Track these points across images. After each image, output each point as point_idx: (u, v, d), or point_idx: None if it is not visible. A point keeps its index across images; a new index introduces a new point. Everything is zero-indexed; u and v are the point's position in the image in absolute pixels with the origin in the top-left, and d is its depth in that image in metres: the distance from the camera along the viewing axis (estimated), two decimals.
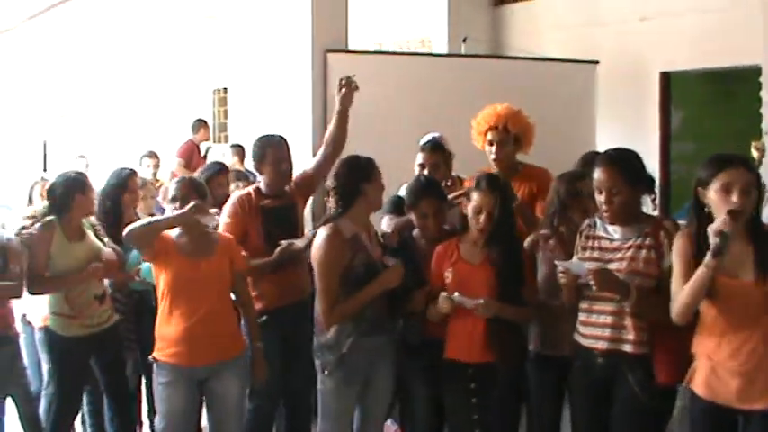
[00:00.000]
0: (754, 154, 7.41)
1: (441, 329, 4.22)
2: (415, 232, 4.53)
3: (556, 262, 3.90)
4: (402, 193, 5.14)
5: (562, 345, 4.10)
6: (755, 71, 7.98)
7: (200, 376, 4.36)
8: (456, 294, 4.06)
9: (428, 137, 5.57)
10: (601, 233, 3.91)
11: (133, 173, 5.74)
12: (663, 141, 8.97)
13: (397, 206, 5.05)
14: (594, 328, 3.85)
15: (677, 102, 9.19)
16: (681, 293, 3.46)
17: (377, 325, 4.21)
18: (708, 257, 3.32)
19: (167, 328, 4.36)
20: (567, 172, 4.45)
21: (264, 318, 4.67)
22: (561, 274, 3.84)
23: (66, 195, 4.95)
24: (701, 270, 3.35)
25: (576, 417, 4.05)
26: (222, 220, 4.77)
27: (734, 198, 3.34)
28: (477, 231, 4.17)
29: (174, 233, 4.41)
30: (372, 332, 4.20)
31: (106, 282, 5.28)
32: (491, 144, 5.13)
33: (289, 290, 4.83)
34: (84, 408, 5.59)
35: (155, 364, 4.41)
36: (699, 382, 3.53)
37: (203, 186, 4.61)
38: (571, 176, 4.39)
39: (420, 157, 5.08)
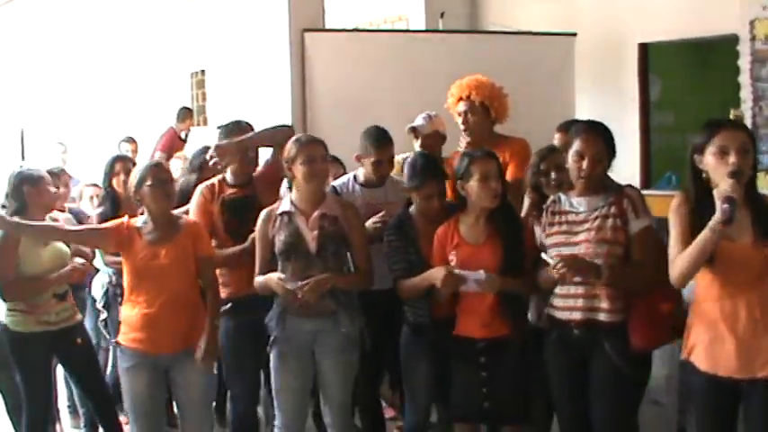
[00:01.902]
0: None
1: (447, 310, 4.21)
2: (412, 210, 4.48)
3: (543, 256, 3.87)
4: (337, 183, 5.10)
5: None
6: (733, 40, 7.99)
7: (164, 363, 4.34)
8: (457, 270, 4.03)
9: (419, 118, 5.58)
10: (566, 207, 3.93)
11: (116, 157, 5.80)
12: (642, 112, 8.97)
13: None
14: (567, 299, 3.87)
15: (656, 72, 9.20)
16: (681, 258, 3.41)
17: (313, 308, 4.23)
18: (714, 222, 3.25)
19: (130, 314, 4.34)
20: (538, 150, 4.49)
21: (229, 305, 4.63)
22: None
23: (17, 191, 4.85)
24: (706, 234, 3.29)
25: (553, 391, 4.05)
26: (191, 211, 4.75)
27: (731, 159, 3.32)
28: (491, 198, 4.08)
29: (139, 220, 4.40)
30: (308, 314, 4.26)
31: None
32: (460, 115, 5.26)
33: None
34: (75, 393, 5.62)
35: (118, 349, 4.40)
36: (699, 354, 3.51)
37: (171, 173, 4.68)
38: (539, 155, 4.45)
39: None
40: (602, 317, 3.78)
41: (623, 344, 3.73)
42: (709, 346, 3.47)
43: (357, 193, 5.00)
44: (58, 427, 5.82)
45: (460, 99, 5.27)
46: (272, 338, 4.33)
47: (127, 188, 5.59)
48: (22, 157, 14.30)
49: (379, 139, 4.97)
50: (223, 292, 4.60)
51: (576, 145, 3.85)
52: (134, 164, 5.89)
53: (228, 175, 4.80)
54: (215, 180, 4.83)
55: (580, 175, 3.84)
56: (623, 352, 3.73)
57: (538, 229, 4.13)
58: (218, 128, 5.02)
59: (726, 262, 3.36)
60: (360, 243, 4.40)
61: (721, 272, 3.39)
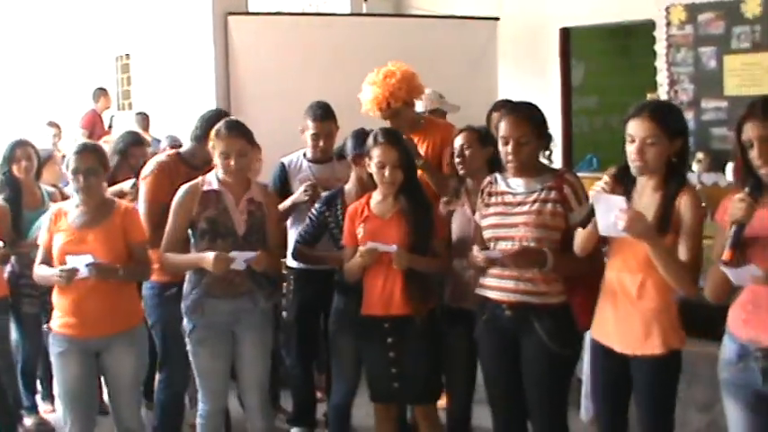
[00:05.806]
0: None
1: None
2: (348, 186, 4.51)
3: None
4: (286, 160, 5.11)
5: (470, 298, 4.03)
6: (650, 26, 8.20)
7: (94, 348, 4.29)
8: (370, 243, 4.03)
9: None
10: (503, 188, 3.87)
11: (17, 143, 5.58)
12: (564, 95, 9.15)
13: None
14: (501, 280, 3.79)
15: (578, 57, 9.38)
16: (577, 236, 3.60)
17: (232, 289, 4.22)
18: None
19: (60, 299, 4.27)
20: (468, 127, 4.46)
21: (175, 290, 4.62)
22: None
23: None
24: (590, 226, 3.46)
25: (486, 372, 4.03)
26: (145, 178, 4.64)
27: (627, 150, 3.34)
28: (386, 185, 4.10)
29: (71, 203, 4.34)
30: (229, 295, 4.23)
31: None
32: (385, 120, 5.11)
33: None
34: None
35: (50, 334, 4.33)
36: (594, 321, 3.62)
37: (106, 157, 4.52)
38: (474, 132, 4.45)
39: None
40: (535, 299, 3.74)
41: (555, 324, 3.72)
42: (598, 315, 3.58)
43: (305, 168, 5.02)
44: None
45: (380, 110, 5.12)
46: (190, 325, 4.26)
47: (29, 174, 5.52)
48: None
49: (317, 113, 4.99)
50: (166, 277, 4.51)
51: (501, 129, 3.77)
52: (35, 149, 5.71)
53: (187, 154, 4.75)
54: (170, 154, 4.82)
55: (507, 160, 3.77)
56: (554, 332, 3.72)
57: (459, 213, 4.22)
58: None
59: (619, 240, 3.40)
60: (275, 232, 4.43)
61: (616, 247, 3.48)
